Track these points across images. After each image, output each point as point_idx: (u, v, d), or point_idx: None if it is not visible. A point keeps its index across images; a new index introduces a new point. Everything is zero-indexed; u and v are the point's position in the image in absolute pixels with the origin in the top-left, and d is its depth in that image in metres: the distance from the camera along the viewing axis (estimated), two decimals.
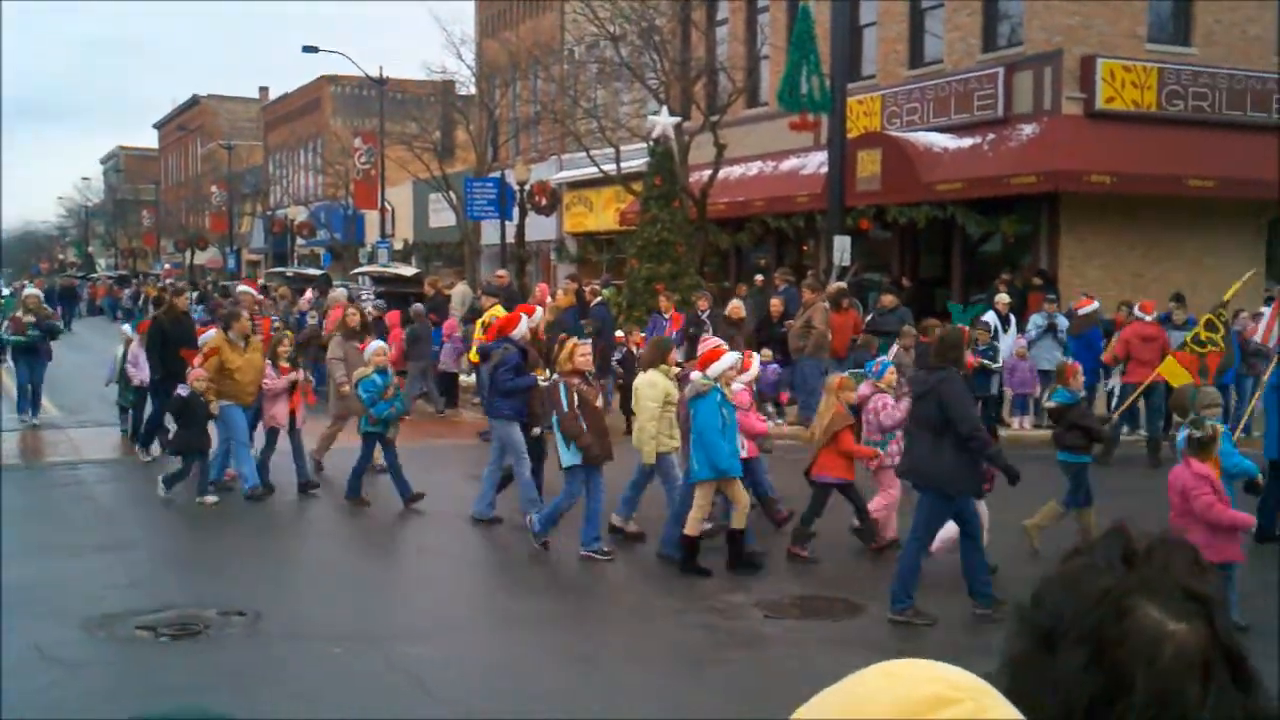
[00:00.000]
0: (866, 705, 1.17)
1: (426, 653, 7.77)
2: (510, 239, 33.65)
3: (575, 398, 10.10)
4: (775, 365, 17.84)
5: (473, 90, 41.91)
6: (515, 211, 33.55)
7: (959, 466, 8.34)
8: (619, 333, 18.47)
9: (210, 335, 13.50)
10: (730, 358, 9.92)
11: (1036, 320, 17.32)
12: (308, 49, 43.25)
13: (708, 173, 25.35)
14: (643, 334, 17.90)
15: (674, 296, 19.83)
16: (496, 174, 36.55)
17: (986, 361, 15.96)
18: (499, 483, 11.73)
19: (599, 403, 10.95)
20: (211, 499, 12.36)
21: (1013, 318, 17.65)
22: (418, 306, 21.26)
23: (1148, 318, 16.18)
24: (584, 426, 10.04)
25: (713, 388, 9.63)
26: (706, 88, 28.76)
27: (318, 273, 39.75)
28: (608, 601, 9.30)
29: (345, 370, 13.70)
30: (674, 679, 7.44)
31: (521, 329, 11.88)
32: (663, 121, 22.80)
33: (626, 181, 27.14)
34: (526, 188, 33.86)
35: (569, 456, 10.11)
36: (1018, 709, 1.22)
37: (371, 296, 25.53)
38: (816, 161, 24.92)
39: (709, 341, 10.95)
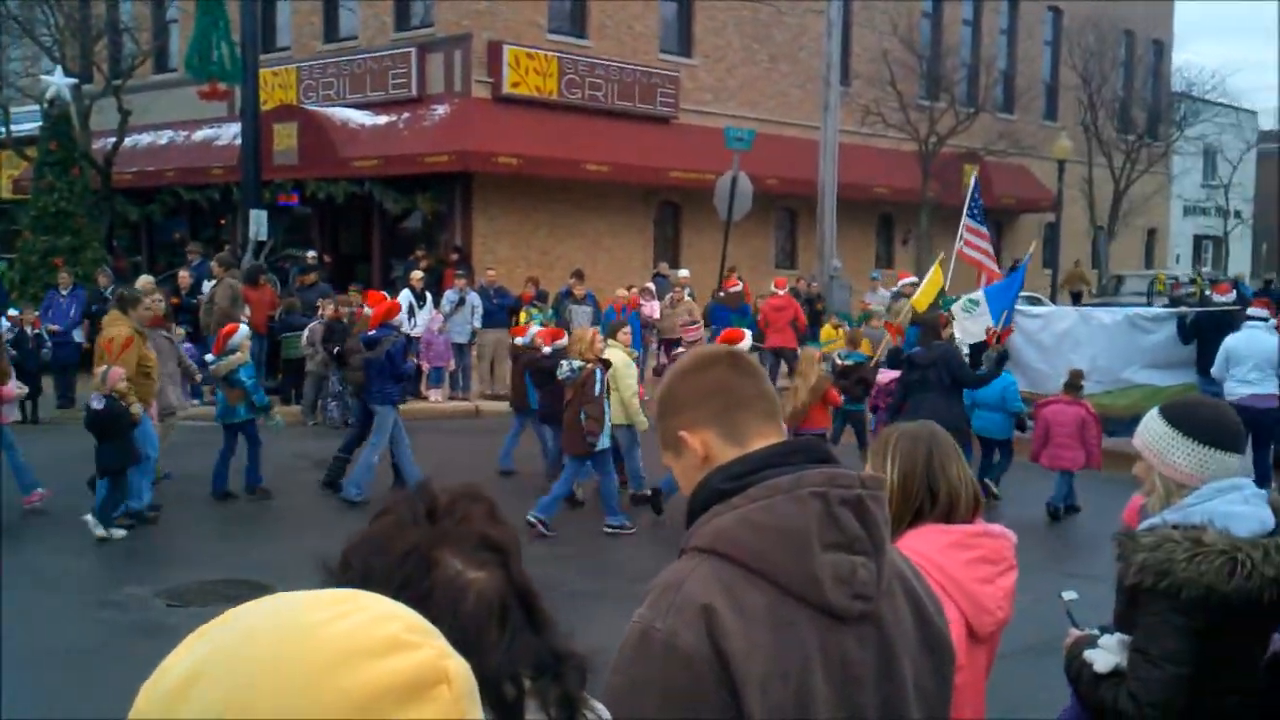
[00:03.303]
0: (293, 652, 0.94)
1: None
2: None
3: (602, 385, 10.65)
4: (189, 346, 17.23)
5: None
6: None
7: (964, 415, 10.96)
8: (13, 311, 16.96)
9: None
10: (750, 339, 11.30)
11: (450, 296, 18.01)
12: None
13: (113, 140, 23.82)
14: (36, 313, 16.55)
15: (75, 271, 18.52)
16: None
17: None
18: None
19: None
20: (120, 532, 10.14)
21: (429, 294, 18.24)
22: None
23: (780, 291, 18.66)
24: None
25: None
26: (109, 49, 26.94)
27: None
28: None
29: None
30: (63, 681, 7.08)
31: (402, 316, 12.10)
32: (57, 82, 21.10)
33: (19, 146, 24.85)
34: None
35: (604, 440, 10.56)
36: None
37: None
38: (231, 133, 24.21)
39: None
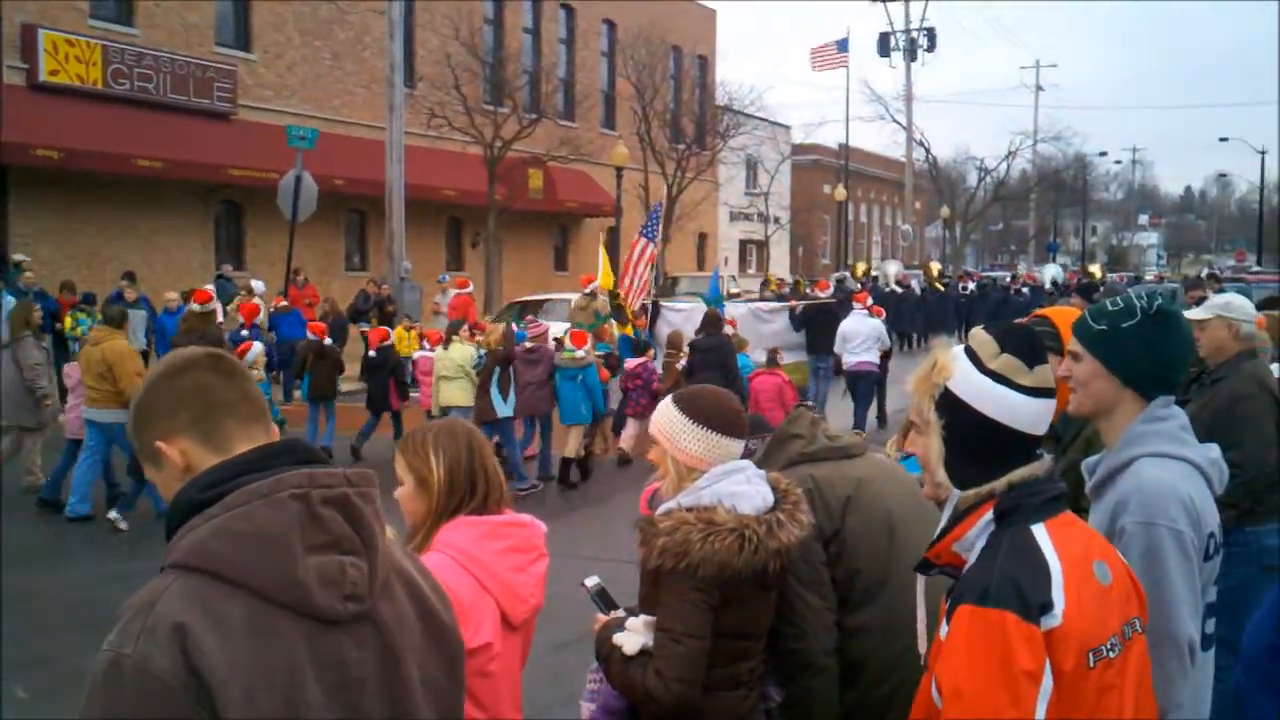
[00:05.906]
0: None
1: None
2: None
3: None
4: None
5: None
6: None
7: (740, 391, 12.81)
8: None
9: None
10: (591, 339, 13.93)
11: None
12: None
13: None
14: None
15: None
16: None
17: None
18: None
19: None
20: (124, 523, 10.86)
21: None
22: None
23: (460, 291, 20.75)
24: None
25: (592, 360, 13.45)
26: None
27: None
28: None
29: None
30: None
31: (262, 317, 13.73)
32: None
33: None
34: None
35: (505, 409, 12.76)
36: None
37: None
38: None
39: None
